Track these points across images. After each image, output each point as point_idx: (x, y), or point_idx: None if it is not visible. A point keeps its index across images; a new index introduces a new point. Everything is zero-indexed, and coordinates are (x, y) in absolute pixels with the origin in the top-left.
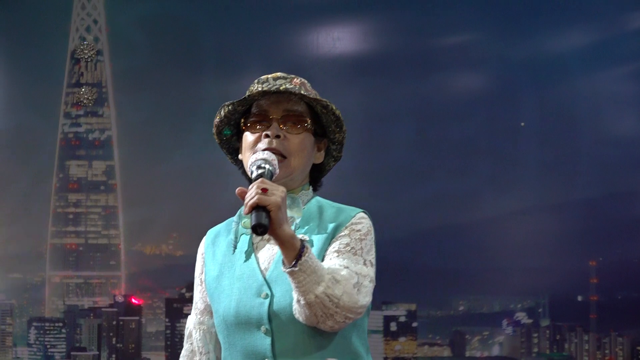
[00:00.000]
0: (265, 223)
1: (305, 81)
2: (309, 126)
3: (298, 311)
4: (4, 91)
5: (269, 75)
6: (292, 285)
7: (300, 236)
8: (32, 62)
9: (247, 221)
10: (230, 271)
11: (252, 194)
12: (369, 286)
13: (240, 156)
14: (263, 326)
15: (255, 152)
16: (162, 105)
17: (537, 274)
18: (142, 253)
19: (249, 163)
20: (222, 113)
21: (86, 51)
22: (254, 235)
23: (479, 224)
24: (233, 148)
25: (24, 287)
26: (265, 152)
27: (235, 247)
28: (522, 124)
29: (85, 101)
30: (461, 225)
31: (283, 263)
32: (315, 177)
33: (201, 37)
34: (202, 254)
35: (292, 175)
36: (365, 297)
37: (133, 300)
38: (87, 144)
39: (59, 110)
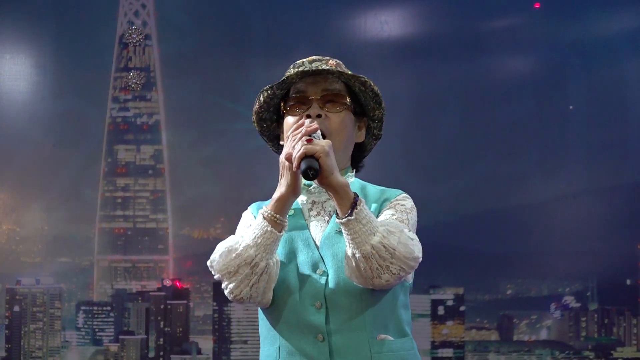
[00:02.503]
0: (316, 167)
1: (340, 62)
2: (349, 104)
3: (351, 268)
4: (52, 76)
5: (304, 59)
6: (346, 238)
7: None
8: (80, 47)
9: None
10: (284, 245)
11: (297, 147)
12: (419, 244)
13: (282, 142)
14: (318, 301)
15: None
16: (210, 89)
17: (585, 257)
18: (189, 237)
19: None
20: (262, 99)
21: (134, 35)
22: (305, 212)
23: (527, 207)
24: (274, 135)
25: (73, 271)
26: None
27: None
28: (571, 107)
29: (133, 85)
30: (509, 208)
31: (336, 214)
32: (357, 158)
33: (249, 21)
34: (252, 214)
35: (336, 153)
36: (419, 251)
37: (180, 284)
38: (135, 128)
39: (107, 94)
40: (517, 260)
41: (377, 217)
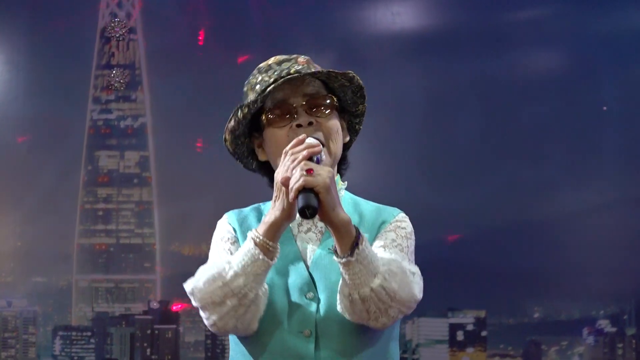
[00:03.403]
0: (315, 204)
1: (309, 58)
2: (335, 104)
3: (347, 307)
4: (25, 74)
5: (269, 62)
6: (344, 277)
7: None
8: (57, 42)
9: None
10: None
11: (296, 176)
12: (420, 283)
13: (261, 157)
14: (307, 329)
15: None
16: (203, 89)
17: (621, 275)
18: (179, 254)
19: None
20: (240, 115)
21: (117, 29)
22: (294, 224)
23: (556, 219)
24: (249, 150)
25: (49, 292)
26: (310, 138)
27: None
28: (604, 107)
29: (116, 85)
30: (535, 221)
31: (335, 252)
32: (341, 158)
33: (247, 13)
34: (230, 224)
35: (333, 163)
36: (419, 293)
37: (171, 307)
38: (118, 132)
39: (88, 94)
40: (545, 279)
41: (374, 240)
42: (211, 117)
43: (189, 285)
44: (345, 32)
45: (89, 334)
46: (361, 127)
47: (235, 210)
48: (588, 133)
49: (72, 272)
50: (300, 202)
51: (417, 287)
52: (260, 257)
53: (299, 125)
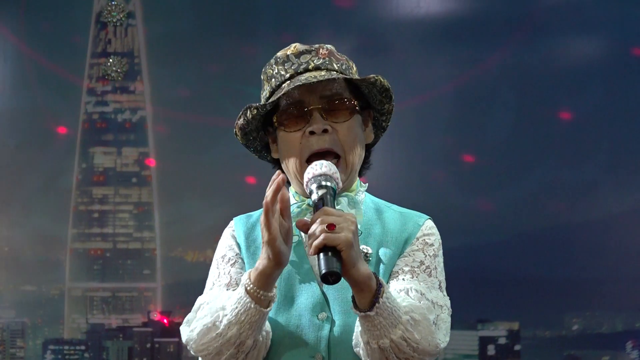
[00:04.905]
0: (338, 269)
1: (332, 48)
2: (355, 107)
3: (365, 354)
4: (13, 63)
5: (288, 52)
6: (362, 328)
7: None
8: (48, 28)
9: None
10: (280, 280)
11: (316, 231)
12: (448, 321)
13: (274, 154)
14: (319, 353)
15: (309, 164)
16: (208, 79)
17: None
18: (183, 260)
19: (305, 179)
20: (249, 115)
21: (115, 13)
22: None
23: (596, 223)
24: (262, 144)
25: (39, 302)
26: (324, 163)
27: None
28: None
29: (113, 74)
30: (574, 225)
31: (355, 305)
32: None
33: None
34: (234, 237)
35: (351, 174)
36: (445, 336)
37: (170, 319)
38: (115, 126)
39: (82, 85)
40: (585, 287)
41: (400, 258)
42: (218, 110)
43: (183, 334)
44: (363, 17)
45: (83, 347)
46: (388, 124)
47: (244, 216)
48: (633, 128)
49: (65, 280)
50: (322, 267)
51: (442, 328)
52: (252, 306)
53: (312, 133)
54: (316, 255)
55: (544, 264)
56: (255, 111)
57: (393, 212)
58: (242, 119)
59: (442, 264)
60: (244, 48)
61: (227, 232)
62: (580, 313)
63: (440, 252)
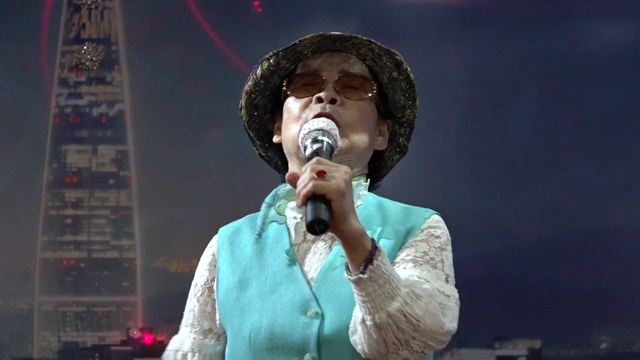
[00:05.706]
0: (326, 218)
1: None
2: (373, 93)
3: (361, 337)
4: None
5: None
6: (357, 300)
7: None
8: (13, 11)
9: (283, 204)
10: (259, 279)
11: (305, 179)
12: (455, 309)
13: (275, 138)
14: (308, 354)
15: (306, 122)
16: (193, 67)
17: None
18: (165, 270)
19: (300, 135)
20: (259, 72)
21: None
22: (294, 232)
23: (629, 229)
24: (265, 130)
25: (5, 317)
26: (322, 119)
27: (259, 235)
28: None
29: (88, 63)
30: (603, 230)
31: (347, 268)
32: (373, 169)
33: None
34: (213, 255)
35: (350, 153)
36: (452, 322)
37: (152, 336)
38: (90, 122)
39: (53, 75)
40: (615, 301)
41: (403, 248)
42: (205, 103)
43: None
44: (367, 1)
45: None
46: (408, 145)
47: (229, 226)
48: None
49: (34, 293)
50: (308, 215)
51: (449, 314)
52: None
53: (319, 100)
54: (304, 207)
55: (570, 276)
56: (267, 63)
57: (396, 206)
58: (251, 79)
59: (450, 260)
60: (235, 32)
61: (206, 250)
62: (609, 329)
63: (449, 248)
